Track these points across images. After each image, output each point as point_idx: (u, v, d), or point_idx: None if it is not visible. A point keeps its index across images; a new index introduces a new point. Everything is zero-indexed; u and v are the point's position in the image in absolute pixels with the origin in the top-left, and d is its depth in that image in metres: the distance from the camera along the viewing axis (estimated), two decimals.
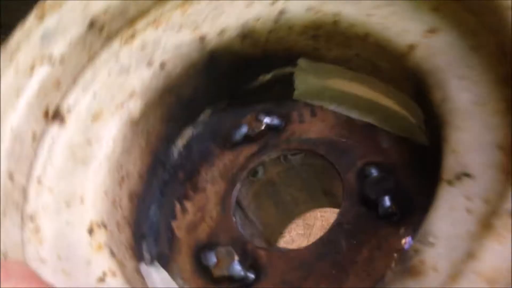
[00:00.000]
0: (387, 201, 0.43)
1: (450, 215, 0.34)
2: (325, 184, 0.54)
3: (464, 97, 0.38)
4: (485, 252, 0.29)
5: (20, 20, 0.43)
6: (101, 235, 0.40)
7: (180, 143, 0.51)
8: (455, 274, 0.29)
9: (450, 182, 0.36)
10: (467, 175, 0.35)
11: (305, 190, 0.57)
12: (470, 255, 0.30)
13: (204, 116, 0.52)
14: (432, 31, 0.40)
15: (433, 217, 0.35)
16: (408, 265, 0.33)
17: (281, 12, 0.46)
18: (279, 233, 0.60)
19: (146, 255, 0.46)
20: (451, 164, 0.36)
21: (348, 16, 0.44)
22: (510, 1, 0.35)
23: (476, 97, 0.37)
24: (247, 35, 0.47)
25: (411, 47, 0.41)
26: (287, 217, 0.60)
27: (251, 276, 0.44)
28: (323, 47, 0.47)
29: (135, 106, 0.45)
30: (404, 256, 0.34)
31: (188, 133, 0.52)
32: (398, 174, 0.45)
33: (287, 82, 0.50)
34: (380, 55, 0.44)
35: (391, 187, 0.44)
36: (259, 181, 0.52)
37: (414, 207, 0.42)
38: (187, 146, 0.51)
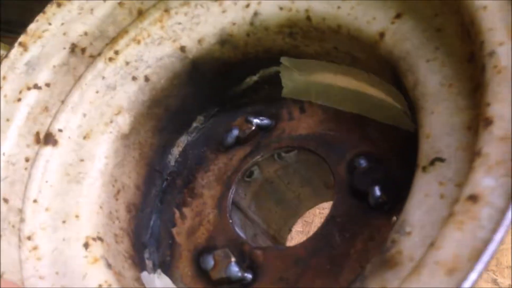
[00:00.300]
0: (377, 191, 0.42)
1: (425, 203, 0.34)
2: (325, 178, 0.54)
3: (434, 79, 0.37)
4: (445, 241, 0.28)
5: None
6: (97, 249, 0.42)
7: (176, 151, 0.53)
8: (417, 265, 0.29)
9: (424, 169, 0.35)
10: (440, 159, 0.34)
11: (307, 186, 0.57)
12: (431, 244, 0.29)
13: (197, 123, 0.53)
14: (398, 16, 0.40)
15: (409, 206, 0.34)
16: (385, 257, 0.33)
17: (255, 14, 0.46)
18: (288, 230, 0.60)
19: (148, 263, 0.47)
20: (425, 149, 0.36)
21: (318, 10, 0.44)
22: None
23: (444, 78, 0.36)
24: (225, 40, 0.48)
25: (381, 35, 0.41)
26: (293, 213, 0.60)
27: (249, 276, 0.44)
28: (301, 43, 0.47)
29: (124, 121, 0.47)
30: (382, 248, 0.34)
31: (183, 141, 0.53)
32: (387, 163, 0.44)
33: (275, 82, 0.51)
34: (355, 45, 0.44)
35: (380, 177, 0.43)
36: (256, 182, 0.53)
37: (405, 195, 0.42)
38: (183, 154, 0.52)
